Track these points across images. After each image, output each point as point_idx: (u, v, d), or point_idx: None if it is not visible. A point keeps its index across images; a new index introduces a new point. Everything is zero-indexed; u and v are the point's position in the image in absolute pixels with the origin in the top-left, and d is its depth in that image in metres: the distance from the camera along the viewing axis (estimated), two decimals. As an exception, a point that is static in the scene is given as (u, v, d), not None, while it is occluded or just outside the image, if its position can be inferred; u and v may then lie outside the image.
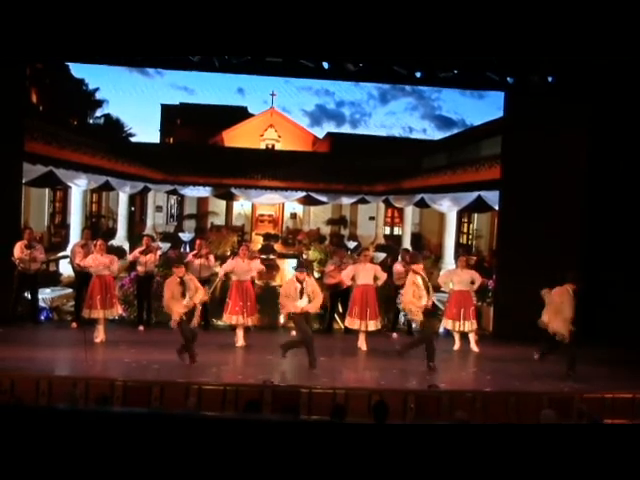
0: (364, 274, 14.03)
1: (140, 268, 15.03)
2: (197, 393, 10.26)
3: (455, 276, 14.39)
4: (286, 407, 8.97)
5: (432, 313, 13.25)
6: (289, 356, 12.33)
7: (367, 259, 14.40)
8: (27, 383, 10.31)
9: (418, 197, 28.87)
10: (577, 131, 15.04)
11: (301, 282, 12.32)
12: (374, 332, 14.09)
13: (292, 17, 10.71)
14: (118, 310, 13.80)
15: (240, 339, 13.62)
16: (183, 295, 11.89)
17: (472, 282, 14.28)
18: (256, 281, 14.85)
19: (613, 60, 11.92)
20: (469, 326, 14.10)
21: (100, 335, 13.28)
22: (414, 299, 12.34)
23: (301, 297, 12.24)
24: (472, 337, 14.16)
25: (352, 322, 14.01)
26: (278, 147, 48.18)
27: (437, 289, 14.83)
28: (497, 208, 17.42)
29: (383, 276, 14.30)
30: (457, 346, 14.12)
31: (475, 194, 21.23)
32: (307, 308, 12.31)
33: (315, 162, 39.46)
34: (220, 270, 14.76)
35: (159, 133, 58.44)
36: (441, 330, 16.14)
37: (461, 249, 30.41)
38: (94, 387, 10.19)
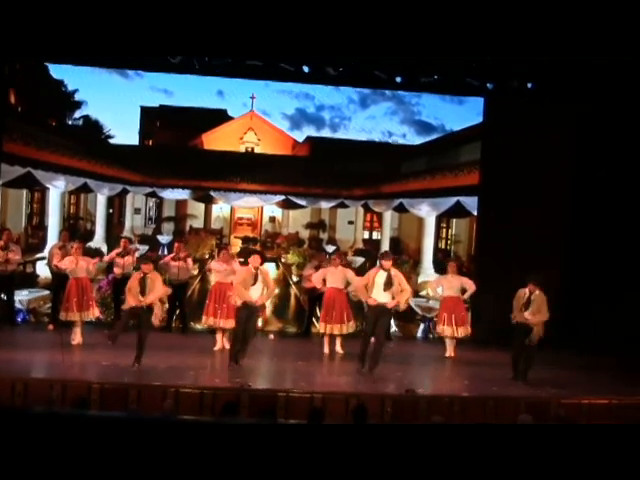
0: (334, 278, 13.99)
1: (117, 270, 14.97)
2: (174, 396, 10.21)
3: (445, 282, 14.29)
4: (263, 411, 8.95)
5: (406, 315, 13.18)
6: (267, 360, 12.28)
7: (337, 262, 14.32)
8: (3, 385, 10.23)
9: (397, 202, 28.95)
10: (556, 137, 15.10)
11: (256, 269, 12.20)
12: (351, 336, 14.11)
13: (272, 20, 10.71)
14: (95, 313, 13.66)
15: (219, 342, 13.58)
16: (142, 293, 11.84)
17: (463, 289, 14.17)
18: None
19: (594, 65, 11.99)
20: (462, 332, 13.94)
21: (77, 337, 13.21)
22: (364, 292, 12.23)
23: (254, 283, 12.05)
24: (450, 342, 14.12)
25: (321, 326, 13.97)
26: (258, 150, 48.22)
27: (416, 294, 14.83)
28: (476, 213, 17.49)
29: (355, 280, 14.26)
30: (448, 353, 14.03)
31: (454, 199, 21.33)
32: (262, 300, 12.28)
33: (294, 166, 39.53)
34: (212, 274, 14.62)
35: (138, 135, 58.41)
36: (419, 335, 16.23)
37: (440, 254, 30.53)
38: (71, 389, 10.12)
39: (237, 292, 12.19)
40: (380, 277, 12.08)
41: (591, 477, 4.45)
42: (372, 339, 14.69)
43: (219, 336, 13.61)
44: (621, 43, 10.61)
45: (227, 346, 13.50)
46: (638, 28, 10.23)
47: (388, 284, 12.02)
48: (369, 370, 11.99)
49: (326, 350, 13.79)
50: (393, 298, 12.08)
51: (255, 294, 12.10)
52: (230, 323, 13.54)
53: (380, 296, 12.04)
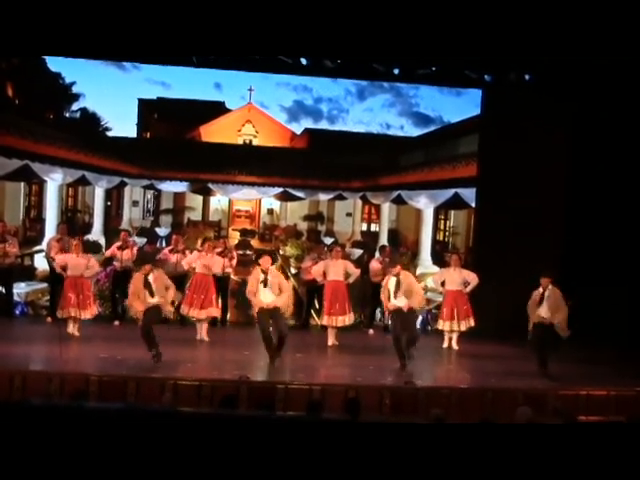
0: (334, 270, 14.01)
1: (117, 263, 14.93)
2: (173, 388, 10.21)
3: (447, 275, 14.29)
4: (262, 403, 8.96)
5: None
6: (265, 352, 12.22)
7: (338, 255, 14.33)
8: (1, 378, 10.21)
9: (395, 194, 28.93)
10: (554, 129, 15.08)
11: (265, 272, 11.96)
12: (350, 328, 14.13)
13: (270, 13, 10.68)
14: (93, 311, 13.53)
15: (201, 333, 13.59)
16: (151, 295, 11.69)
17: (466, 282, 14.09)
18: (232, 276, 14.78)
19: (593, 59, 11.96)
20: (464, 325, 13.94)
21: (75, 330, 13.19)
22: (386, 300, 12.34)
23: (265, 285, 11.83)
24: (455, 335, 14.11)
25: (325, 319, 13.94)
26: (255, 143, 48.13)
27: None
28: (474, 205, 17.46)
29: (355, 272, 14.26)
30: (446, 344, 14.09)
31: (452, 191, 21.31)
32: (274, 302, 11.83)
33: (292, 158, 39.44)
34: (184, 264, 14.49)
35: (136, 127, 58.35)
36: (418, 327, 16.22)
37: (438, 246, 30.54)
38: (69, 382, 10.11)
39: (250, 299, 12.09)
40: (391, 284, 12.23)
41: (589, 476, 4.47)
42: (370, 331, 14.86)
43: (203, 326, 13.60)
44: (618, 40, 10.61)
45: (206, 338, 13.46)
46: (631, 27, 10.23)
47: (397, 289, 12.15)
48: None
49: (330, 342, 13.78)
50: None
51: (267, 297, 11.90)
52: (204, 314, 13.46)
53: (397, 301, 12.18)
